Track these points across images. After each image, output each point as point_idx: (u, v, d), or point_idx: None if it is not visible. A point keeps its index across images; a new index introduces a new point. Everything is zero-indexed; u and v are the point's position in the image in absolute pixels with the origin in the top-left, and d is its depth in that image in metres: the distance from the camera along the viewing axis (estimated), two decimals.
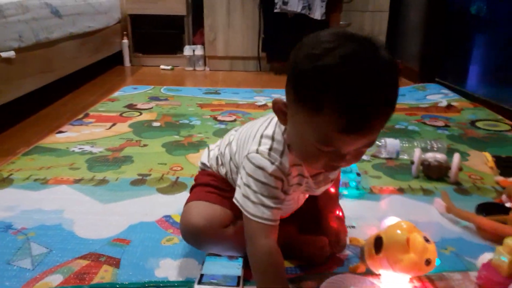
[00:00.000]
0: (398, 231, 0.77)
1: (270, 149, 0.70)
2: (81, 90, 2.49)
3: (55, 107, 2.12)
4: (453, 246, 0.95)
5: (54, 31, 2.08)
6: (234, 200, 0.74)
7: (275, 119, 0.72)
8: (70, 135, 1.67)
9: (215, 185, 0.86)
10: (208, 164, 0.92)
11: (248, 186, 0.70)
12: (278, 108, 0.66)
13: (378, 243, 0.81)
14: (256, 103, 2.20)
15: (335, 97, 0.55)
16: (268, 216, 0.70)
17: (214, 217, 0.80)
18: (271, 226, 0.70)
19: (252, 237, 0.71)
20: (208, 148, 0.96)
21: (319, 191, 0.84)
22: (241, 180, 0.72)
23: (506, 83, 2.62)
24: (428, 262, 0.75)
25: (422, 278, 0.82)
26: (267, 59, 3.03)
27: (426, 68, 2.81)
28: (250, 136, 0.75)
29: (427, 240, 0.76)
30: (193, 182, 0.94)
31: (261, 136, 0.72)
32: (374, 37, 0.60)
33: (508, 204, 1.08)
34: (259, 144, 0.71)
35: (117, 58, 3.21)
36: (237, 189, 0.74)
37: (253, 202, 0.70)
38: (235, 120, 1.90)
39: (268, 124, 0.74)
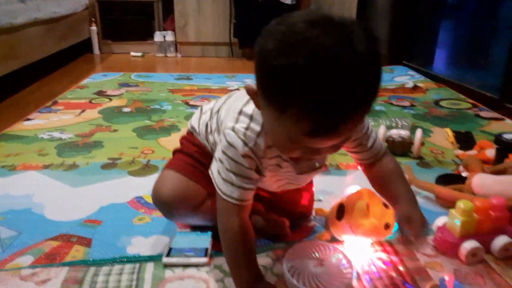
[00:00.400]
0: (359, 198, 0.81)
1: (247, 128, 0.67)
2: (49, 78, 2.43)
3: (22, 95, 2.07)
4: None
5: (18, 16, 2.01)
6: (209, 171, 0.72)
7: None
8: (38, 122, 1.64)
9: (198, 158, 0.84)
10: (197, 130, 0.88)
11: (221, 162, 0.69)
12: (250, 95, 0.63)
13: (340, 210, 0.85)
14: (228, 88, 2.21)
15: (299, 101, 0.51)
16: (237, 196, 0.68)
17: (187, 194, 0.80)
18: (241, 206, 0.69)
19: (221, 214, 0.71)
20: (201, 110, 0.90)
21: (303, 179, 0.82)
22: (217, 154, 0.71)
23: (468, 65, 2.73)
24: (387, 226, 0.80)
25: (382, 242, 0.87)
26: (239, 45, 3.03)
27: (394, 51, 2.88)
28: (232, 109, 0.72)
29: (386, 206, 0.81)
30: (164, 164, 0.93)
31: (240, 113, 0.68)
32: (353, 23, 0.53)
33: (464, 174, 1.15)
34: (236, 121, 0.68)
35: (86, 46, 3.14)
36: (213, 162, 0.72)
37: (224, 179, 0.69)
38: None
39: (249, 100, 0.69)
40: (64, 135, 1.51)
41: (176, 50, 3.16)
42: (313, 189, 0.98)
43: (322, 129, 0.53)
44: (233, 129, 0.67)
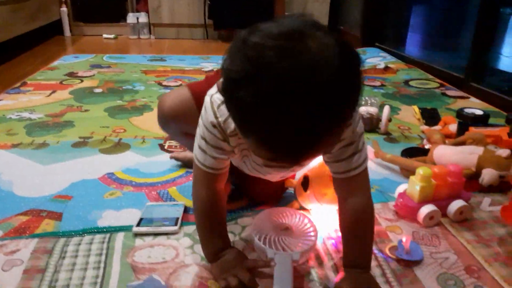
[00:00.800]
0: (322, 169, 0.84)
1: (223, 102, 0.61)
2: (18, 59, 2.36)
3: None
4: (378, 185, 1.05)
5: None
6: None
7: None
8: (6, 103, 1.60)
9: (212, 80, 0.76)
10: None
11: (198, 127, 0.68)
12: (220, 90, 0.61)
13: (305, 181, 0.88)
14: (202, 69, 2.20)
15: (258, 133, 0.49)
16: (209, 163, 0.68)
17: (187, 114, 0.78)
18: (214, 174, 0.69)
19: (195, 182, 0.71)
20: None
21: (273, 175, 0.80)
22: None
23: (438, 47, 2.81)
24: None
25: None
26: (214, 27, 3.01)
27: (367, 34, 2.93)
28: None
29: None
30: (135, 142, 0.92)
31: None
32: (328, 43, 0.46)
33: (427, 146, 1.20)
34: (217, 91, 0.65)
35: (56, 28, 3.05)
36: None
37: (199, 146, 0.68)
38: (180, 85, 1.90)
39: None
40: (34, 115, 1.48)
41: (150, 32, 3.12)
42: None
43: (283, 159, 0.52)
44: (211, 97, 0.65)
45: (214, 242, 0.72)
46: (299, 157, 0.51)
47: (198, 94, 0.77)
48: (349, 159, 0.65)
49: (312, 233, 0.76)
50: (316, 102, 0.45)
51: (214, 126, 0.64)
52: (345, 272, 0.69)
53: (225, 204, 0.74)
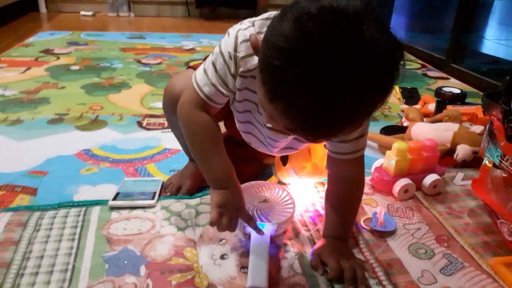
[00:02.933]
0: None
1: (247, 40, 0.61)
2: None
3: None
4: None
5: None
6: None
7: None
8: None
9: None
10: None
11: (212, 54, 0.66)
12: (252, 44, 0.56)
13: (284, 156, 0.89)
14: (183, 47, 2.17)
15: (289, 105, 0.47)
16: (208, 91, 0.65)
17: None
18: (206, 103, 0.67)
19: (187, 104, 0.68)
20: None
21: (273, 142, 0.75)
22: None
23: (420, 28, 2.82)
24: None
25: (323, 182, 0.92)
26: (195, 4, 2.95)
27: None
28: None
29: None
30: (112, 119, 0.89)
31: (253, 24, 0.63)
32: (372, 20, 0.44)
33: (405, 124, 1.21)
34: (245, 28, 0.62)
35: (31, 4, 2.94)
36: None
37: (204, 69, 0.66)
38: (160, 63, 1.87)
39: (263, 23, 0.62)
40: (8, 92, 1.44)
41: (129, 9, 3.04)
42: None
43: (305, 134, 0.51)
44: (237, 31, 0.62)
45: (221, 169, 0.68)
46: (322, 136, 0.53)
47: None
48: (355, 141, 0.66)
49: (290, 205, 0.76)
50: (361, 88, 0.44)
51: (230, 57, 0.62)
52: (325, 240, 0.71)
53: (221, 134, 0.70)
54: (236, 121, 0.75)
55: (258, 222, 0.71)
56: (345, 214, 0.72)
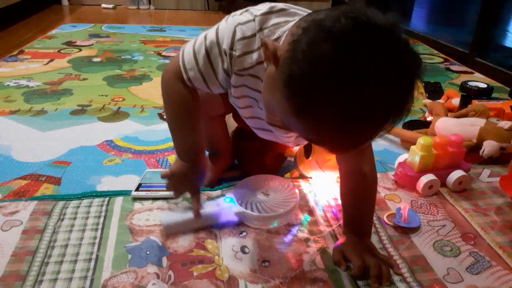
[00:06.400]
0: None
1: (245, 37, 0.59)
2: (15, 27, 2.32)
3: None
4: (379, 156, 1.04)
5: None
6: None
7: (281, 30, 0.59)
8: (4, 70, 1.58)
9: None
10: None
11: (205, 39, 0.62)
12: (267, 49, 0.50)
13: (308, 149, 0.88)
14: None
15: (316, 123, 0.45)
16: (192, 76, 0.64)
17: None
18: (189, 86, 0.65)
19: (171, 77, 0.66)
20: None
21: (286, 138, 0.74)
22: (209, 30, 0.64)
23: (443, 22, 2.75)
24: None
25: None
26: None
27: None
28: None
29: None
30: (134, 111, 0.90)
31: (254, 19, 0.60)
32: (401, 42, 0.43)
33: (429, 119, 1.19)
34: (245, 23, 0.60)
35: None
36: (198, 36, 0.66)
37: (195, 49, 0.63)
38: None
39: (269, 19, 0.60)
40: (32, 83, 1.46)
41: (149, 2, 3.05)
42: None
43: (324, 147, 0.51)
44: (236, 26, 0.59)
45: (190, 142, 0.70)
46: (342, 151, 0.57)
47: None
48: None
49: (293, 198, 0.77)
50: (393, 111, 0.45)
51: (225, 54, 0.61)
52: (346, 237, 0.70)
53: (201, 110, 0.70)
54: (242, 117, 0.74)
55: (227, 196, 0.76)
56: (361, 209, 0.71)
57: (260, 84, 0.61)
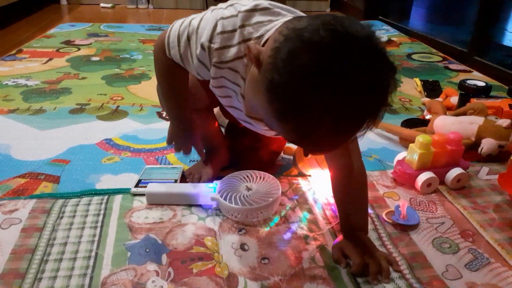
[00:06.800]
0: None
1: (224, 31, 0.61)
2: (13, 27, 2.32)
3: None
4: (377, 154, 1.04)
5: None
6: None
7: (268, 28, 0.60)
8: (2, 69, 1.58)
9: None
10: None
11: (190, 25, 0.65)
12: (250, 53, 0.51)
13: None
14: None
15: (297, 128, 0.47)
16: (173, 54, 0.68)
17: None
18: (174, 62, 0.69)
19: (159, 45, 0.70)
20: None
21: (261, 128, 0.76)
22: (196, 16, 0.66)
23: (441, 20, 2.76)
24: None
25: None
26: None
27: (370, 7, 2.87)
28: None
29: None
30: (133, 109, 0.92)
31: (237, 15, 0.61)
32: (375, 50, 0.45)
33: (428, 117, 1.19)
34: (227, 18, 0.61)
35: None
36: (186, 18, 0.68)
37: (180, 31, 0.66)
38: None
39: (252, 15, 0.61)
40: (30, 82, 1.46)
41: (148, 2, 3.05)
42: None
43: (310, 151, 0.57)
44: (217, 20, 0.61)
45: (175, 102, 0.76)
46: (322, 153, 0.59)
47: None
48: None
49: (275, 191, 0.78)
50: (372, 115, 0.46)
51: (203, 47, 0.63)
52: (343, 234, 0.70)
53: (185, 74, 0.73)
54: (224, 106, 0.76)
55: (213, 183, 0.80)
56: (355, 205, 0.71)
57: (239, 78, 0.64)
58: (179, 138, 0.80)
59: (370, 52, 0.44)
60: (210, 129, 0.90)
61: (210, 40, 0.62)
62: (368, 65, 0.44)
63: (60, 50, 1.86)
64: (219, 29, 0.61)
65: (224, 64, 0.63)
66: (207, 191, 0.79)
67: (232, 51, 0.62)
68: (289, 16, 0.61)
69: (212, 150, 0.92)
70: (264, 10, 0.62)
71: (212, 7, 0.66)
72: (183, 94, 0.76)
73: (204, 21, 0.64)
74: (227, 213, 0.76)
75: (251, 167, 0.86)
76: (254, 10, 0.61)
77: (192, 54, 0.66)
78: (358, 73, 0.43)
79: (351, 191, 0.71)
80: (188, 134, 0.80)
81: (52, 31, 2.22)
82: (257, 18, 0.61)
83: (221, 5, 0.64)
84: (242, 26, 0.61)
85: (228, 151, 0.94)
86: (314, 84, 0.43)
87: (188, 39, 0.66)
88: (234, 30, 0.61)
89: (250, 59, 0.51)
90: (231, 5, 0.64)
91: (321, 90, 0.43)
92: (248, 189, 0.80)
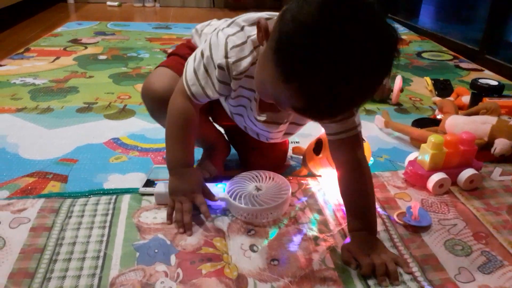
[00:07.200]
0: None
1: (236, 45, 0.65)
2: (21, 25, 2.32)
3: None
4: (388, 154, 1.03)
5: None
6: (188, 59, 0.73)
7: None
8: (10, 68, 1.58)
9: (186, 58, 0.77)
10: (199, 31, 0.85)
11: (202, 56, 0.68)
12: (260, 28, 0.57)
13: (318, 146, 0.87)
14: None
15: (309, 85, 0.48)
16: (194, 90, 0.70)
17: (174, 88, 0.75)
18: (192, 101, 0.71)
19: (176, 93, 0.73)
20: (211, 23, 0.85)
21: (270, 134, 0.78)
22: (202, 46, 0.70)
23: (452, 18, 2.72)
24: None
25: None
26: None
27: (379, 5, 2.84)
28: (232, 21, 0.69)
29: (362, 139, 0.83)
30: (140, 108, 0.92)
31: (242, 28, 0.66)
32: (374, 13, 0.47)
33: (439, 117, 1.17)
34: (234, 33, 0.66)
35: None
36: (197, 49, 0.72)
37: (195, 68, 0.69)
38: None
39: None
40: (38, 81, 1.46)
41: (155, 0, 3.05)
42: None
43: (318, 117, 0.56)
44: (227, 38, 0.65)
45: (184, 155, 0.75)
46: (330, 115, 0.55)
47: (179, 69, 0.76)
48: (345, 120, 0.67)
49: (285, 191, 0.78)
50: (376, 74, 0.49)
51: (220, 67, 0.66)
52: (351, 235, 0.69)
53: (197, 125, 0.75)
54: (230, 113, 0.78)
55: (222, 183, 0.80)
56: (362, 203, 0.70)
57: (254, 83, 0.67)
58: (184, 195, 0.74)
59: (375, 12, 0.47)
60: (204, 125, 0.89)
61: (226, 56, 0.65)
62: (374, 22, 0.47)
63: (67, 49, 1.87)
64: (230, 44, 0.65)
65: (242, 75, 0.67)
66: (216, 191, 0.78)
67: (247, 60, 0.65)
68: None
69: (211, 147, 0.92)
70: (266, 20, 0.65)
71: (215, 31, 0.69)
72: (192, 144, 0.77)
73: (214, 46, 0.67)
74: (237, 213, 0.75)
75: (259, 165, 0.86)
76: (255, 23, 0.64)
77: (213, 81, 0.69)
78: (365, 28, 0.45)
79: (359, 188, 0.71)
80: (195, 185, 0.75)
81: (59, 29, 2.23)
82: None
83: (221, 26, 0.69)
84: (249, 36, 0.65)
85: (226, 145, 0.94)
86: (321, 33, 0.45)
87: (206, 69, 0.69)
88: (244, 42, 0.65)
89: (260, 38, 0.57)
90: (232, 22, 0.68)
91: (328, 41, 0.45)
92: (258, 189, 0.79)
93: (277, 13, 0.64)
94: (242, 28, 0.66)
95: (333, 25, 0.45)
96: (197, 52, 0.70)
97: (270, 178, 0.82)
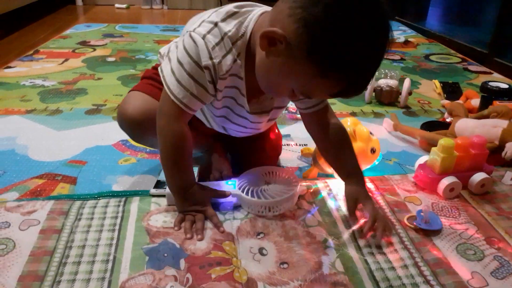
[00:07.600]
0: (345, 125, 0.82)
1: (216, 44, 0.64)
2: (30, 28, 2.34)
3: (1, 44, 1.99)
4: (397, 157, 1.02)
5: None
6: (159, 70, 0.70)
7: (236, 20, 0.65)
8: (19, 70, 1.59)
9: (157, 79, 0.78)
10: (162, 53, 0.85)
11: (180, 63, 0.65)
12: (270, 37, 0.58)
13: None
14: None
15: (349, 71, 0.57)
16: (187, 101, 0.67)
17: (152, 111, 0.73)
18: (185, 112, 0.68)
19: (164, 115, 0.69)
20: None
21: (253, 124, 0.79)
22: (175, 53, 0.67)
23: (460, 21, 2.70)
24: (373, 150, 0.84)
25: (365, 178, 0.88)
26: None
27: (386, 7, 2.83)
28: (198, 20, 0.67)
29: (371, 134, 0.84)
30: None
31: (215, 25, 0.64)
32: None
33: (448, 120, 1.16)
34: (209, 31, 0.64)
35: None
36: (166, 61, 0.69)
37: (178, 80, 0.66)
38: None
39: (225, 17, 0.65)
40: (47, 82, 1.47)
41: (163, 2, 3.06)
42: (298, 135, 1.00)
43: (349, 95, 0.62)
44: (204, 38, 0.63)
45: (184, 178, 0.75)
46: (359, 93, 0.63)
47: (151, 90, 0.79)
48: None
49: (293, 185, 0.79)
50: (387, 37, 0.57)
51: (206, 68, 0.64)
52: (345, 183, 0.78)
53: (192, 142, 0.73)
54: (213, 117, 0.78)
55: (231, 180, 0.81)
56: (345, 152, 0.79)
57: (237, 79, 0.69)
58: (194, 209, 0.75)
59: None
60: (198, 138, 0.86)
61: (211, 57, 0.64)
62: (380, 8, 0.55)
63: (76, 51, 1.88)
64: (210, 44, 0.64)
65: (227, 73, 0.67)
66: (227, 188, 0.79)
67: (229, 58, 0.65)
68: (257, 8, 0.68)
69: (209, 149, 0.91)
70: (234, 14, 0.66)
71: (183, 34, 0.68)
72: (190, 164, 0.75)
73: (191, 49, 0.64)
74: (249, 208, 0.77)
75: (255, 160, 0.88)
76: (230, 14, 0.66)
77: (204, 85, 0.66)
78: (377, 12, 0.55)
79: (337, 144, 0.79)
80: (203, 198, 0.76)
81: (68, 31, 2.24)
82: (232, 22, 0.65)
83: (191, 27, 0.66)
84: (225, 33, 0.64)
85: (221, 142, 0.93)
86: (350, 17, 0.53)
87: (191, 76, 0.66)
88: (221, 39, 0.65)
89: (264, 45, 0.59)
90: (202, 22, 0.65)
91: (356, 22, 0.53)
92: (267, 183, 0.81)
93: (251, 3, 0.68)
94: (215, 24, 0.64)
95: (357, 19, 0.53)
96: (172, 65, 0.67)
97: (277, 173, 0.83)
